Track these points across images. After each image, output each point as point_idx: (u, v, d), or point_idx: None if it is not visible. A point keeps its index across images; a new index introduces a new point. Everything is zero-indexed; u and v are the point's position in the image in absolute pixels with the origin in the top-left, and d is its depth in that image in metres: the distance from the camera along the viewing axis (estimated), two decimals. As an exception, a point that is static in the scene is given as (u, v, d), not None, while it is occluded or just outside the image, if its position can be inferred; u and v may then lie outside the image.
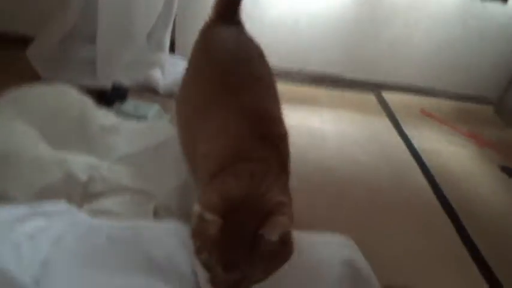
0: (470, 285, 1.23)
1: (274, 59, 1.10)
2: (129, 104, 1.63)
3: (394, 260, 1.24)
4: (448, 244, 1.38)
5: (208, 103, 0.97)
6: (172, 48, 1.99)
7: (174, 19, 1.91)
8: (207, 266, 0.75)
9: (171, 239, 1.00)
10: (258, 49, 1.11)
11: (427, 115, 2.22)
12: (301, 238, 0.80)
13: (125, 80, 1.78)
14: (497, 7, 2.18)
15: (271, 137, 0.89)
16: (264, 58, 1.10)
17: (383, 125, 2.05)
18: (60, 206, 1.04)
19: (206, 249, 0.72)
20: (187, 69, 1.15)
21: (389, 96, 2.30)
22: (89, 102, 1.39)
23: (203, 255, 0.73)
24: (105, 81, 1.70)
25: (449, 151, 1.94)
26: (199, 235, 0.73)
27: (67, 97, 1.36)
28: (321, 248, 0.98)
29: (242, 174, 0.79)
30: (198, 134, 0.97)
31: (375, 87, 2.34)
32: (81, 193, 1.14)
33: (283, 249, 0.74)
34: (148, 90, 1.81)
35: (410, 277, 1.19)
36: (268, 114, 0.94)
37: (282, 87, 1.05)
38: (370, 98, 2.28)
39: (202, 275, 0.82)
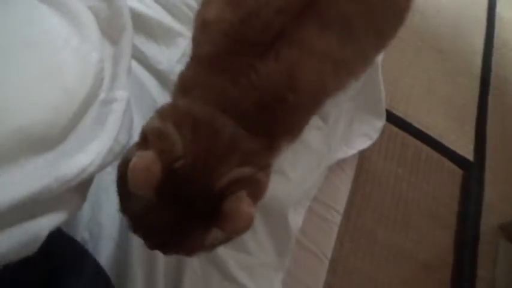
0: (458, 137, 1.31)
1: None
2: None
3: (408, 90, 1.29)
4: (464, 100, 1.41)
5: None
6: None
7: None
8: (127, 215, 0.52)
9: None
10: None
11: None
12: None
13: None
14: None
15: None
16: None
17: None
18: None
19: (129, 203, 0.50)
20: None
21: None
22: None
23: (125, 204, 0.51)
24: None
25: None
26: (125, 177, 0.47)
27: None
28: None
29: (211, 124, 0.51)
30: None
31: None
32: None
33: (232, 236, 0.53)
34: None
35: (413, 106, 1.26)
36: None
37: None
38: None
39: None
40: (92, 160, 0.41)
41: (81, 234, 0.64)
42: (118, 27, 0.56)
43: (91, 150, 0.42)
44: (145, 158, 0.46)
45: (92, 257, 0.56)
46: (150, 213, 0.49)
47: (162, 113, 0.55)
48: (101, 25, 0.56)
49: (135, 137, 0.57)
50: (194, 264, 0.67)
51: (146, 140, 0.51)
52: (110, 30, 0.56)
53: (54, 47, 0.44)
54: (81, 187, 0.44)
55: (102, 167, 0.43)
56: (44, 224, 0.38)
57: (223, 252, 0.69)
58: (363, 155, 1.01)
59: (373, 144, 1.01)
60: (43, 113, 0.40)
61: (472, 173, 1.27)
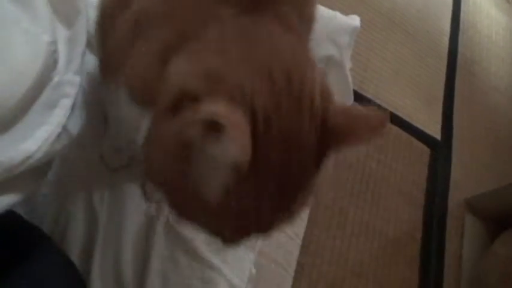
0: (426, 117, 1.35)
1: None
2: None
3: (377, 71, 1.31)
4: (432, 80, 1.45)
5: None
6: None
7: None
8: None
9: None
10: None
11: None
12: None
13: None
14: None
15: None
16: None
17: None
18: None
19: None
20: None
21: None
22: None
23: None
24: None
25: (491, 13, 1.80)
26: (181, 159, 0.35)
27: None
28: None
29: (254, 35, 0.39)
30: None
31: None
32: None
33: None
34: None
35: (383, 88, 1.29)
36: None
37: None
38: None
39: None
40: (39, 147, 0.41)
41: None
42: (73, 10, 0.55)
43: (39, 136, 0.41)
44: (235, 116, 0.32)
45: (55, 244, 0.55)
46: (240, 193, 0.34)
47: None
48: (55, 7, 0.55)
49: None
50: (161, 246, 0.67)
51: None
52: (65, 13, 0.55)
53: (2, 27, 0.43)
54: (35, 171, 0.44)
55: (49, 154, 0.42)
56: None
57: (192, 232, 0.69)
58: (332, 136, 1.02)
59: (343, 125, 1.03)
60: None
61: (439, 151, 1.31)
